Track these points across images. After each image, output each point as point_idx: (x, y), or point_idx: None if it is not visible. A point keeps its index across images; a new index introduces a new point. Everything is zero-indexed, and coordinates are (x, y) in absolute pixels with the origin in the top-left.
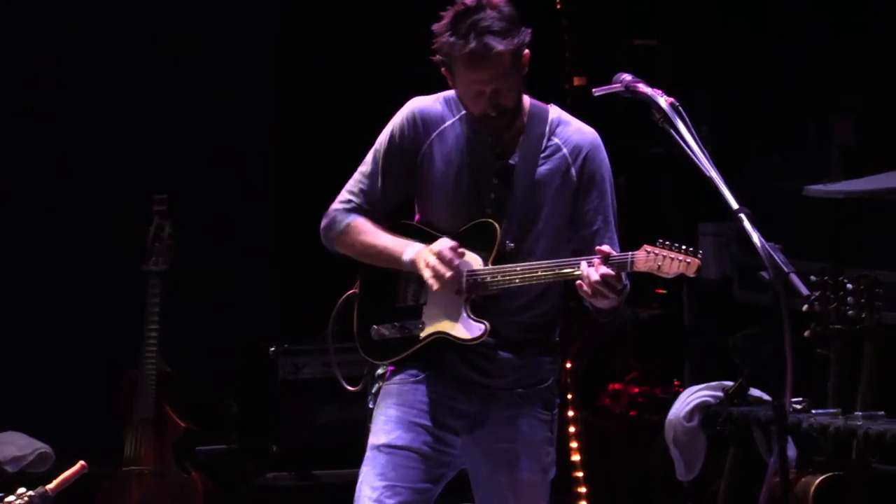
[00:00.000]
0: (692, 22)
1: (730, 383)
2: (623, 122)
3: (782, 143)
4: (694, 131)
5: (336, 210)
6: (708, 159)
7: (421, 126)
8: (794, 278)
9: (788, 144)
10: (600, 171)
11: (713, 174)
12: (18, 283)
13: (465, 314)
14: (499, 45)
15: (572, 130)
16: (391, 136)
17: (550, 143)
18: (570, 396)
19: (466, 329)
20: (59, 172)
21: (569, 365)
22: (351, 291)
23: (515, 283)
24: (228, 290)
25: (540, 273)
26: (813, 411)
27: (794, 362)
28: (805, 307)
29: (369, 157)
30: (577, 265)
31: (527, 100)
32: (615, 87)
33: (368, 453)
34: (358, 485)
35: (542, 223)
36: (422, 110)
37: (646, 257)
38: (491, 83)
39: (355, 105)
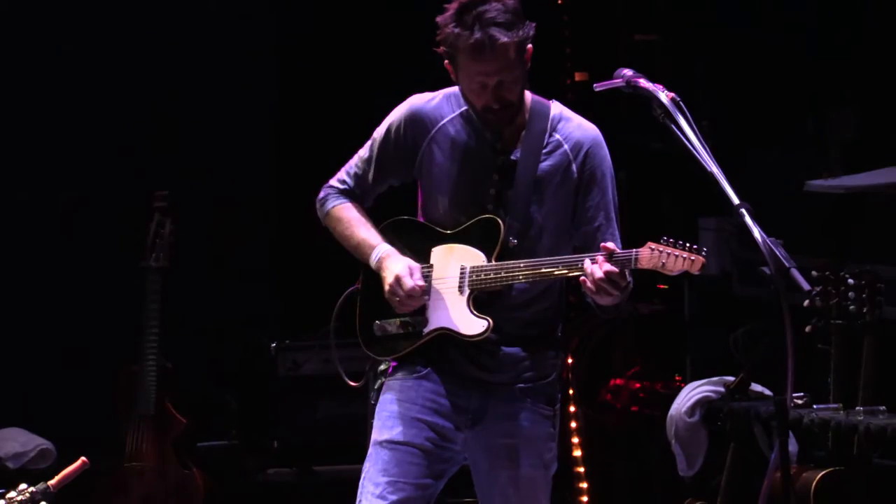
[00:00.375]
0: (692, 17)
1: (731, 378)
2: (624, 118)
3: (783, 137)
4: (694, 126)
5: (329, 188)
6: (709, 154)
7: (420, 124)
8: (796, 273)
9: (789, 139)
10: (601, 168)
11: (714, 169)
12: (19, 280)
13: (467, 310)
14: (503, 37)
15: (573, 126)
16: (388, 131)
17: (552, 139)
18: (571, 392)
19: (469, 325)
20: (59, 169)
21: (569, 360)
22: (353, 287)
23: (519, 279)
24: (229, 287)
25: (543, 270)
26: (814, 406)
27: (795, 357)
28: (806, 302)
29: (367, 144)
30: (581, 262)
31: (528, 96)
32: (616, 82)
33: (371, 449)
34: (361, 481)
35: (543, 219)
36: (421, 108)
37: (650, 255)
38: (495, 75)
39: (355, 104)
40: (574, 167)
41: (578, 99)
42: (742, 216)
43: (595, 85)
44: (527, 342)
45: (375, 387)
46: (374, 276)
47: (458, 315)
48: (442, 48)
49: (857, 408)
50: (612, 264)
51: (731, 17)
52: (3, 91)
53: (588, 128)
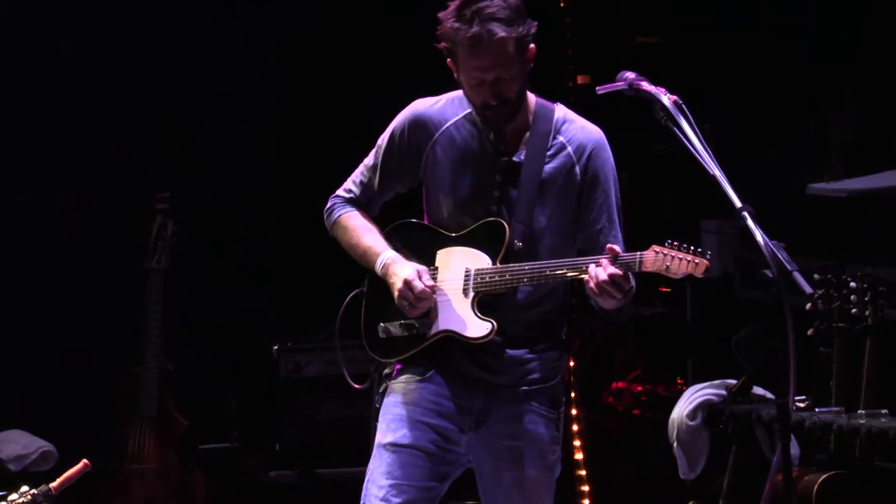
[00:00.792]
0: (693, 19)
1: (733, 381)
2: (626, 120)
3: (783, 139)
4: (696, 129)
5: (336, 198)
6: (711, 157)
7: (423, 128)
8: (798, 276)
9: (790, 140)
10: (604, 170)
11: (716, 172)
12: (20, 281)
13: (472, 313)
14: (502, 32)
15: (577, 128)
16: (392, 136)
17: (556, 141)
18: (572, 394)
19: (473, 328)
20: (59, 170)
21: (571, 363)
22: (358, 289)
23: (524, 282)
24: (230, 288)
25: (548, 273)
26: (816, 409)
27: (797, 360)
28: (808, 305)
29: (372, 151)
30: (586, 265)
31: (533, 98)
32: (618, 85)
33: (375, 452)
34: (364, 483)
35: (547, 221)
36: (424, 112)
37: (654, 257)
38: (493, 70)
39: (355, 104)
40: (577, 169)
41: (581, 102)
42: (744, 219)
43: (597, 88)
44: (531, 344)
45: (380, 389)
46: (380, 278)
47: (463, 318)
48: (442, 43)
49: (859, 411)
50: (616, 267)
51: (732, 18)
52: (3, 91)
53: (592, 130)
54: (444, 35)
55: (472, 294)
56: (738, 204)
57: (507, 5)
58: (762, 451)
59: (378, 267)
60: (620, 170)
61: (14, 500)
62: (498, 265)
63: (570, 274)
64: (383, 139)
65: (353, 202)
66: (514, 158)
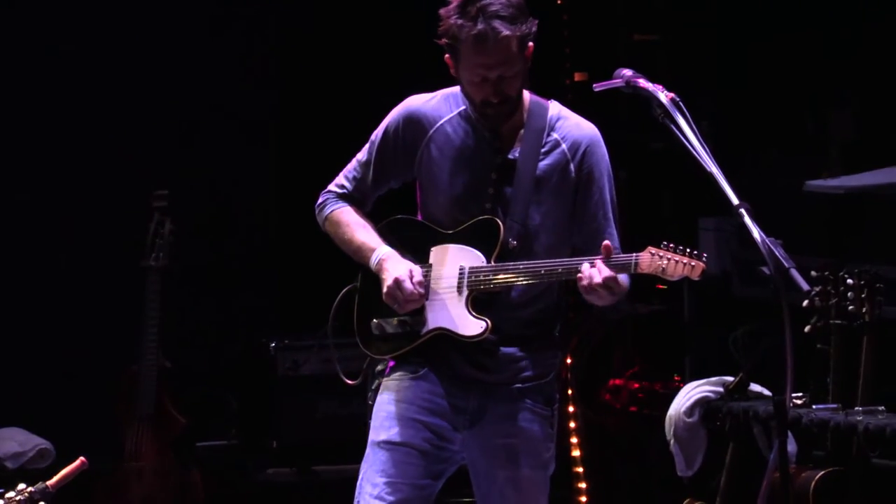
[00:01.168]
0: (692, 17)
1: (730, 379)
2: (624, 118)
3: (782, 137)
4: (694, 126)
5: (328, 193)
6: (708, 154)
7: (418, 124)
8: (795, 273)
9: (788, 139)
10: (599, 167)
11: (714, 169)
12: (18, 280)
13: (466, 311)
14: (506, 30)
15: (572, 125)
16: (385, 133)
17: (550, 138)
18: (570, 392)
19: (467, 326)
20: (60, 170)
21: (568, 360)
22: (352, 285)
23: (519, 281)
24: (228, 286)
25: (543, 271)
26: (813, 406)
27: (794, 357)
28: (806, 302)
29: (366, 147)
30: (580, 264)
31: (527, 95)
32: (616, 82)
33: (368, 450)
34: (358, 481)
35: (542, 219)
36: (419, 108)
37: (650, 259)
38: (496, 69)
39: (355, 104)
40: (572, 166)
41: (578, 99)
42: (742, 216)
43: (595, 85)
44: (525, 342)
45: (373, 387)
46: (373, 274)
47: (457, 316)
48: (444, 40)
49: (856, 408)
50: (609, 268)
51: (731, 17)
52: (2, 91)
53: (586, 127)
54: (446, 31)
55: (466, 292)
56: (736, 202)
57: (510, 3)
58: (759, 448)
59: (373, 263)
60: (618, 168)
61: (11, 498)
62: (492, 263)
63: (564, 272)
64: (377, 135)
65: (345, 197)
66: (509, 156)
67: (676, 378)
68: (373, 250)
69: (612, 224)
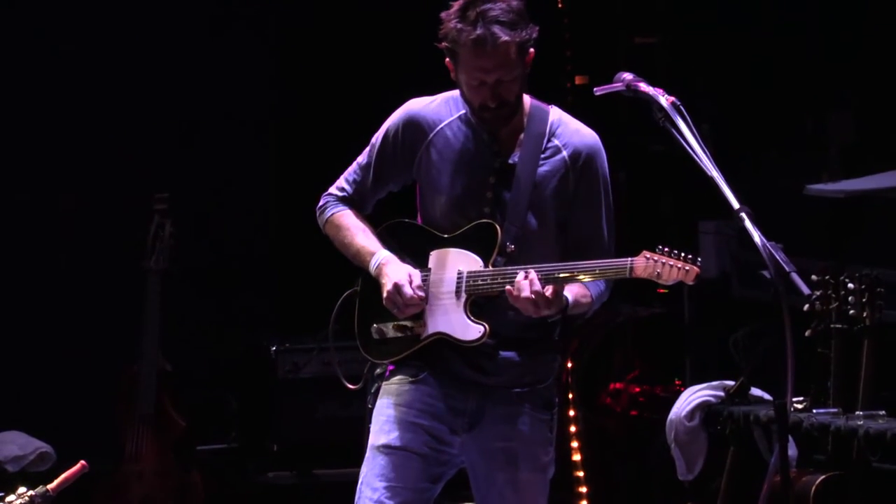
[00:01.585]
0: (692, 20)
1: (731, 382)
2: (624, 121)
3: (782, 139)
4: (695, 130)
5: (329, 196)
6: (709, 158)
7: (418, 127)
8: (796, 277)
9: (788, 141)
10: (598, 176)
11: (714, 173)
12: (19, 281)
13: (464, 316)
14: (505, 36)
15: (572, 132)
16: (385, 136)
17: (550, 143)
18: (570, 395)
19: (466, 330)
20: (60, 171)
21: (569, 364)
22: (352, 290)
23: None
24: (228, 289)
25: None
26: (814, 410)
27: (794, 361)
28: (806, 306)
29: (366, 150)
30: (575, 269)
31: (527, 100)
32: (616, 86)
33: (368, 454)
34: (358, 485)
35: (540, 224)
36: (418, 112)
37: (645, 264)
38: (494, 73)
39: (355, 104)
40: (571, 175)
41: (579, 102)
42: (742, 220)
43: (595, 88)
44: (524, 346)
45: (372, 391)
46: (373, 278)
47: (456, 320)
48: (443, 43)
49: (857, 412)
50: (551, 283)
51: (731, 19)
52: (2, 91)
53: (586, 134)
54: (446, 35)
55: (464, 296)
56: (736, 205)
57: (511, 8)
58: (760, 452)
59: (372, 267)
60: (618, 170)
61: (12, 502)
62: (490, 267)
63: (560, 278)
64: (377, 138)
65: (345, 200)
66: (509, 160)
67: (677, 381)
68: (372, 254)
69: (604, 235)
